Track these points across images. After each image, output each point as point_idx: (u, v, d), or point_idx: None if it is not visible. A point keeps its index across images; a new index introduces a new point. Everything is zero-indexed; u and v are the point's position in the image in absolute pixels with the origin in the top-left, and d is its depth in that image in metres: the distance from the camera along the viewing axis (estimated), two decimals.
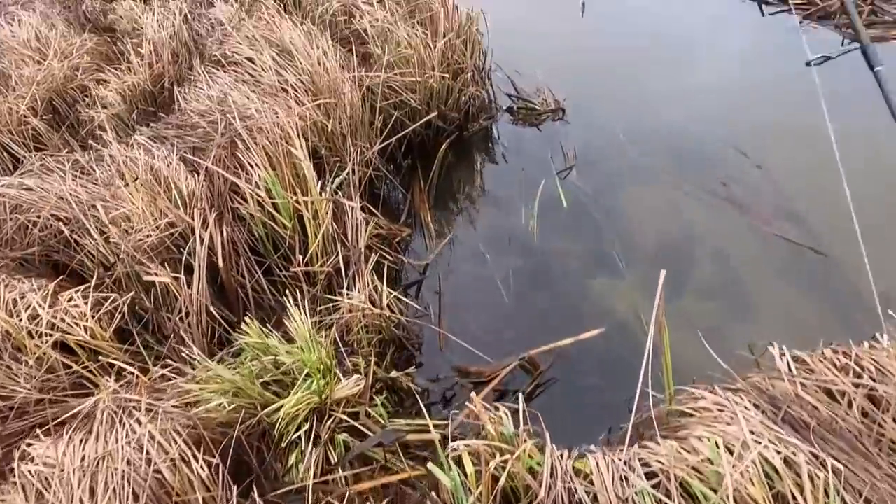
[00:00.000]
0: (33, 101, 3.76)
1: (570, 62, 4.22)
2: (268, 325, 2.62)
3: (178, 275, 2.41)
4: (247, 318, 2.11)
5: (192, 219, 2.57)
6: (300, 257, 2.60)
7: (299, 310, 2.16)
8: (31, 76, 3.86)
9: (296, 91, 2.92)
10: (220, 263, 2.53)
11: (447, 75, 3.35)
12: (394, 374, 2.26)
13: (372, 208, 2.96)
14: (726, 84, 3.76)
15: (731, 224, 2.90)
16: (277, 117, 2.70)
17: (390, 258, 2.80)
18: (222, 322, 2.55)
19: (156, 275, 2.38)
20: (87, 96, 3.86)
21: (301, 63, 2.99)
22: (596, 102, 3.78)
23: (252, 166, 2.66)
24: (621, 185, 3.18)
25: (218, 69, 3.13)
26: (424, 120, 3.27)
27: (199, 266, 2.43)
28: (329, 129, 2.92)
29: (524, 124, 3.67)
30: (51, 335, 2.25)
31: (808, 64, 2.49)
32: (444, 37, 3.36)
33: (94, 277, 2.56)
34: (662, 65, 4.02)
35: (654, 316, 1.59)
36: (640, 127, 3.52)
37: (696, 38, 4.24)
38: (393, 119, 3.23)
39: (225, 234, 2.58)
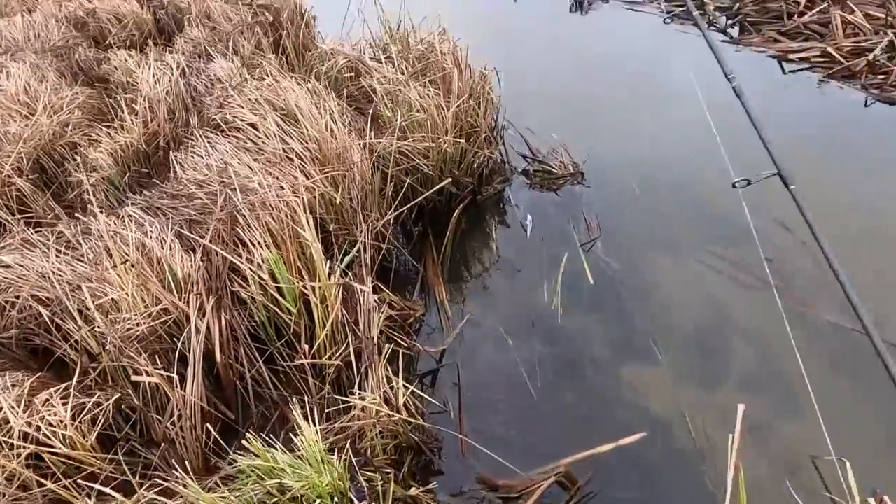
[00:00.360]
0: (19, 160, 3.53)
1: (584, 117, 4.06)
2: (269, 420, 2.40)
3: (170, 374, 2.15)
4: (248, 435, 1.85)
5: (188, 305, 2.32)
6: (306, 347, 2.35)
7: (308, 421, 1.90)
8: (18, 133, 3.64)
9: (301, 160, 2.71)
10: (218, 357, 2.28)
11: (461, 140, 3.15)
12: (413, 491, 2.00)
13: (382, 286, 2.73)
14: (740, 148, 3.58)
15: (770, 305, 2.66)
16: (283, 190, 2.48)
17: (404, 344, 2.56)
18: (219, 420, 2.30)
19: (145, 373, 2.12)
20: (76, 154, 3.64)
21: (308, 129, 2.78)
22: (615, 163, 3.59)
23: (254, 244, 2.42)
24: (649, 258, 2.96)
25: (217, 133, 2.92)
26: (438, 187, 3.06)
27: (195, 362, 2.18)
28: (338, 201, 2.70)
29: (541, 188, 3.46)
30: (25, 447, 1.98)
31: (733, 185, 2.39)
32: (458, 98, 3.17)
33: (78, 368, 2.31)
34: (678, 125, 3.85)
35: (732, 461, 1.34)
36: (662, 192, 3.33)
37: (712, 98, 4.07)
38: (405, 186, 3.02)
39: (223, 321, 2.34)
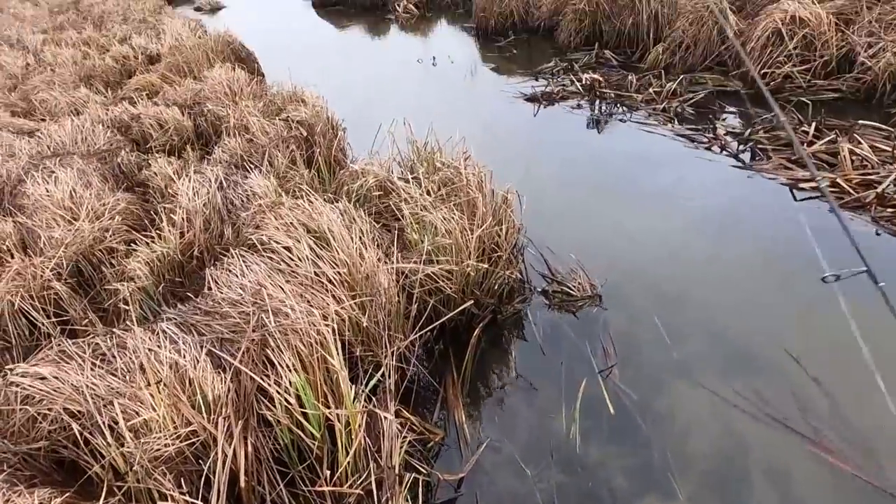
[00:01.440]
0: (59, 264, 3.70)
1: (600, 237, 4.20)
2: None
3: (195, 500, 2.19)
4: None
5: (216, 428, 2.39)
6: (328, 472, 2.39)
7: None
8: (61, 238, 3.83)
9: (332, 284, 2.83)
10: (242, 482, 2.32)
11: (484, 263, 3.28)
12: None
13: (403, 408, 2.79)
14: (760, 279, 3.68)
15: (789, 446, 2.69)
16: (314, 316, 2.58)
17: (423, 471, 2.59)
18: None
19: (171, 498, 2.16)
20: (113, 259, 3.81)
21: (339, 253, 2.91)
22: (631, 285, 3.68)
23: (282, 366, 2.51)
24: (667, 388, 3.00)
25: (252, 252, 3.06)
26: (461, 308, 3.16)
27: (220, 490, 2.22)
28: (364, 325, 2.79)
29: (560, 310, 3.55)
30: None
31: (823, 280, 2.45)
32: (483, 223, 3.32)
33: (104, 487, 2.35)
34: (694, 248, 3.98)
35: None
36: (680, 318, 3.40)
37: (726, 222, 4.21)
38: (428, 307, 3.12)
39: (249, 445, 2.39)
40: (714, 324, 3.33)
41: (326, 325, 2.49)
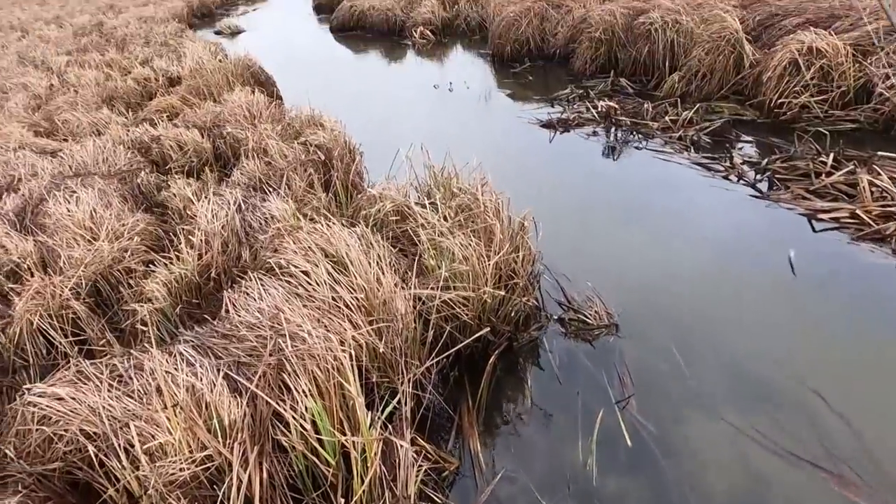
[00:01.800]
0: (77, 283, 3.73)
1: (618, 265, 4.18)
2: None
3: None
4: None
5: (231, 453, 2.38)
6: (342, 500, 2.37)
7: None
8: (80, 258, 3.87)
9: (349, 309, 2.83)
10: None
11: (501, 290, 3.27)
12: None
13: (418, 436, 2.76)
14: (778, 307, 3.65)
15: (809, 481, 2.63)
16: (330, 341, 2.58)
17: (438, 501, 2.56)
18: None
19: None
20: (131, 279, 3.84)
21: (356, 279, 2.92)
22: (649, 315, 3.65)
23: (298, 391, 2.50)
24: (684, 421, 2.95)
25: (270, 276, 3.08)
26: (477, 335, 3.15)
27: None
28: (381, 351, 2.79)
29: (576, 338, 3.52)
30: None
31: None
32: (500, 250, 3.32)
33: None
34: (708, 278, 3.95)
35: None
36: (698, 349, 3.36)
37: (741, 249, 4.18)
38: (444, 334, 3.11)
39: (265, 471, 2.37)
40: (732, 352, 3.29)
41: (343, 351, 2.49)
